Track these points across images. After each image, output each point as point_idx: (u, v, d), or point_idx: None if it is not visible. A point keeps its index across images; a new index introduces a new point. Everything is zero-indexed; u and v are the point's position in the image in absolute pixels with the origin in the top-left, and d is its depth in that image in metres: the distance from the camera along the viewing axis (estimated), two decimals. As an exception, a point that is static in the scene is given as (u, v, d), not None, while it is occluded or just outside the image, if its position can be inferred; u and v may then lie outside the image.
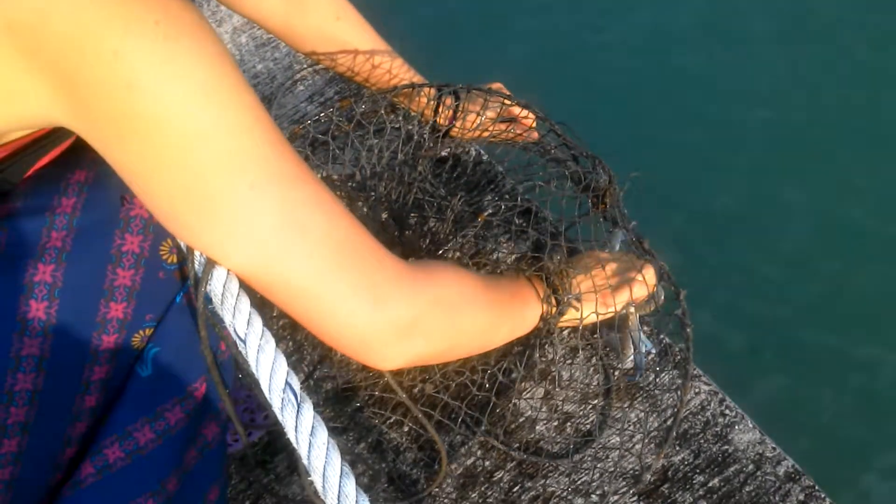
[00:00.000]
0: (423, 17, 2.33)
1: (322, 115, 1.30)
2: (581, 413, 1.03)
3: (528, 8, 2.39)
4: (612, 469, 0.98)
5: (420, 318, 0.67)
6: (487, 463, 1.00)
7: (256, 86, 1.44)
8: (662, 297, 0.99)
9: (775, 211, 1.94)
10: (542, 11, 2.38)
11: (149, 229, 0.64)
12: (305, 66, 1.45)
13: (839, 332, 1.77)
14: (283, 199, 0.58)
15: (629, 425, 1.01)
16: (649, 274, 0.95)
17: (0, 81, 0.52)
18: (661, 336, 1.08)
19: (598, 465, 0.99)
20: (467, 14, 2.41)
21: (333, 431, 1.02)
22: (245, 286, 0.62)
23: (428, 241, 1.01)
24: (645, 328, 1.06)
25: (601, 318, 0.94)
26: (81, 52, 0.50)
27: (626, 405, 1.03)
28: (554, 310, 0.88)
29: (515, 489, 0.98)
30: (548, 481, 0.98)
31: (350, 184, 1.01)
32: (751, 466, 0.99)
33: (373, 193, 1.00)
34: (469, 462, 1.00)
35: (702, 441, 1.01)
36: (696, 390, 1.05)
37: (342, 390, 1.03)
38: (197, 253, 0.62)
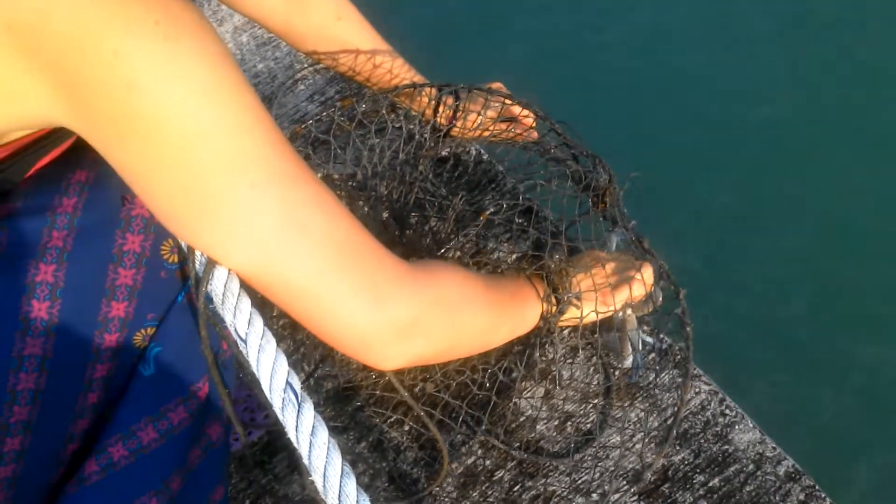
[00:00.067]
0: (423, 17, 2.33)
1: (323, 114, 1.30)
2: (581, 412, 1.03)
3: (528, 8, 2.39)
4: (613, 468, 0.98)
5: (420, 318, 0.67)
6: (488, 462, 1.00)
7: (257, 85, 1.44)
8: (661, 298, 0.99)
9: (775, 211, 1.94)
10: (542, 11, 2.38)
11: (150, 229, 0.64)
12: (306, 65, 1.45)
13: (839, 332, 1.77)
14: (283, 199, 0.58)
15: (629, 425, 1.02)
16: (647, 273, 0.95)
17: (0, 81, 0.52)
18: (661, 335, 1.08)
19: (599, 465, 0.99)
20: (467, 14, 2.41)
21: (334, 431, 1.02)
22: (246, 286, 0.62)
23: (429, 240, 1.01)
24: (645, 327, 1.06)
25: (601, 317, 0.94)
26: (81, 52, 0.50)
27: (626, 404, 1.03)
28: (554, 309, 0.88)
29: (516, 488, 0.98)
30: (548, 480, 0.98)
31: (351, 183, 1.01)
32: (751, 466, 0.99)
33: (374, 193, 1.00)
34: (470, 461, 1.00)
35: (702, 441, 1.01)
36: (697, 390, 1.05)
37: (343, 389, 1.04)
38: (198, 253, 0.62)
